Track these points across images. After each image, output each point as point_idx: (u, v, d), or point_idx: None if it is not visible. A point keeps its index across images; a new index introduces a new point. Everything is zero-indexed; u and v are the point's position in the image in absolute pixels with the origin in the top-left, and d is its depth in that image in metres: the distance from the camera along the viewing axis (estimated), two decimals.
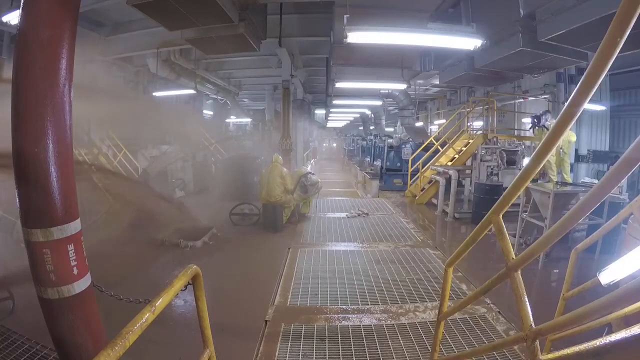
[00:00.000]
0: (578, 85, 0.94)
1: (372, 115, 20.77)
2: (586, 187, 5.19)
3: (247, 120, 20.01)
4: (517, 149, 7.90)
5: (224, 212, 6.79)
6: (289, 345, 2.85)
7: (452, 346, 2.80)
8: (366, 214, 7.45)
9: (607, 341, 0.82)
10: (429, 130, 15.77)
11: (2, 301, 3.18)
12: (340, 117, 24.97)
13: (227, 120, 19.92)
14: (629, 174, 0.85)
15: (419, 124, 14.90)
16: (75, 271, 1.66)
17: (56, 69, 1.59)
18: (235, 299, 3.71)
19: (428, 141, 10.72)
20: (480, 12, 5.85)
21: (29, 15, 1.56)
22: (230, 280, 4.22)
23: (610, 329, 1.75)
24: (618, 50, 0.84)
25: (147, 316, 1.15)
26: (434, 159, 9.25)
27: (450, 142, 9.55)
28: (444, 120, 15.02)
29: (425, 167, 9.12)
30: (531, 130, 7.78)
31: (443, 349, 2.69)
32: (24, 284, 2.30)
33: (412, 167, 9.77)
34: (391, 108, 17.76)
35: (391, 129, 16.84)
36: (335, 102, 14.11)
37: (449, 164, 8.76)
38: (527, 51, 5.81)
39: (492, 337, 2.93)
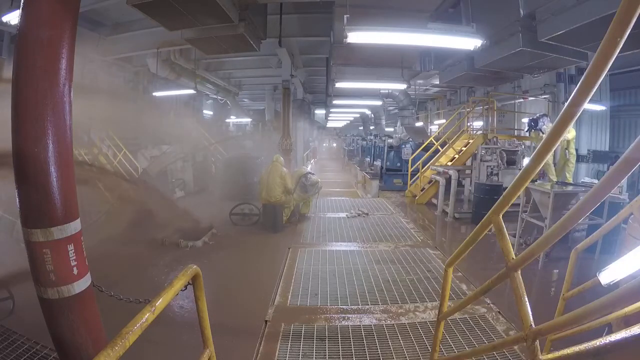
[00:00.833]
0: (578, 85, 0.94)
1: (372, 115, 20.77)
2: (586, 187, 5.19)
3: (247, 120, 20.01)
4: (517, 149, 7.91)
5: (224, 212, 6.79)
6: (289, 345, 2.85)
7: (452, 346, 2.81)
8: (366, 214, 7.45)
9: (607, 341, 0.82)
10: (429, 130, 15.77)
11: (2, 301, 3.18)
12: (340, 117, 24.97)
13: (227, 120, 19.92)
14: (629, 174, 0.85)
15: (419, 124, 14.91)
16: (75, 271, 1.66)
17: (56, 69, 1.59)
18: (235, 299, 3.71)
19: (428, 141, 10.72)
20: (480, 12, 5.85)
21: (29, 15, 1.55)
22: (230, 280, 4.23)
23: (610, 329, 1.75)
24: (618, 50, 0.84)
25: (147, 316, 1.15)
26: (434, 159, 9.25)
27: (450, 142, 9.55)
28: (444, 120, 15.03)
29: (425, 167, 9.12)
30: (527, 132, 7.78)
31: (443, 349, 2.69)
32: (24, 284, 2.30)
33: (412, 167, 9.77)
34: (391, 108, 17.77)
35: (391, 129, 16.84)
36: (335, 102, 14.11)
37: (449, 164, 8.76)
38: (527, 51, 5.81)
39: (492, 337, 2.93)
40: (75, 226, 1.68)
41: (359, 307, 3.53)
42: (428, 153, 9.57)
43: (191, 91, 11.01)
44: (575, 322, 0.97)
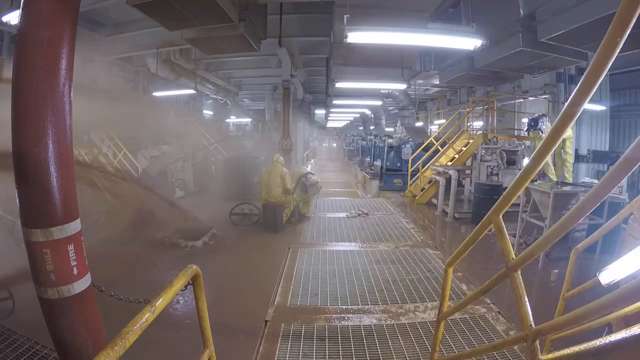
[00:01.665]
0: (578, 85, 0.94)
1: (372, 115, 20.77)
2: (586, 187, 5.19)
3: (247, 120, 20.01)
4: (517, 149, 7.90)
5: (224, 212, 6.79)
6: (289, 345, 2.85)
7: (452, 346, 2.81)
8: (366, 214, 7.45)
9: (607, 341, 0.82)
10: (429, 130, 15.76)
11: (2, 301, 3.18)
12: (340, 117, 24.95)
13: (227, 120, 19.92)
14: (629, 174, 0.85)
15: (419, 124, 14.90)
16: (75, 271, 1.66)
17: (56, 69, 1.59)
18: (235, 299, 3.71)
19: (428, 141, 10.72)
20: (480, 12, 5.85)
21: (29, 15, 1.56)
22: (231, 280, 4.23)
23: (610, 329, 1.75)
24: (618, 50, 0.84)
25: (147, 316, 1.15)
26: (434, 159, 9.25)
27: (450, 142, 9.55)
28: (444, 120, 15.02)
29: (425, 167, 9.12)
30: (527, 132, 7.79)
31: (443, 349, 2.69)
32: (24, 284, 2.30)
33: (412, 167, 9.77)
34: (391, 108, 17.76)
35: (391, 129, 16.84)
36: (335, 102, 14.10)
37: (449, 164, 8.76)
38: (527, 51, 5.81)
39: (492, 337, 2.93)
40: (75, 226, 1.68)
41: (359, 307, 3.53)
42: (428, 153, 9.57)
43: (191, 91, 11.02)
44: (575, 322, 0.97)
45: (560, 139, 1.07)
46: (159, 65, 9.16)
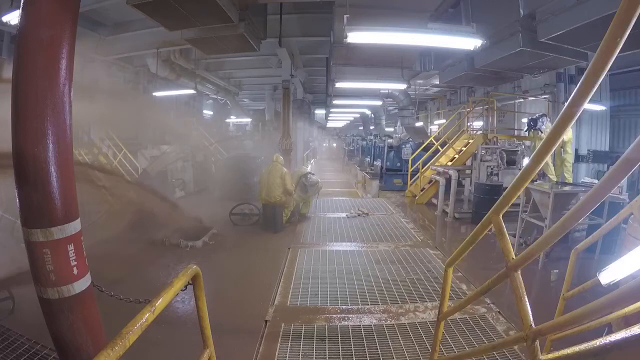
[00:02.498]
0: (578, 86, 0.94)
1: (372, 115, 20.76)
2: (586, 187, 5.19)
3: (247, 120, 20.01)
4: (517, 149, 7.90)
5: (224, 212, 6.79)
6: (289, 345, 2.85)
7: (452, 346, 2.80)
8: (366, 214, 7.45)
9: (607, 341, 0.82)
10: (429, 130, 15.76)
11: (2, 301, 3.18)
12: (340, 117, 24.96)
13: (227, 120, 19.93)
14: (629, 174, 0.85)
15: (419, 124, 14.89)
16: (75, 271, 1.66)
17: (56, 69, 1.59)
18: (235, 299, 3.71)
19: (428, 141, 10.72)
20: (481, 12, 5.86)
21: (29, 15, 1.56)
22: (231, 280, 4.23)
23: (610, 329, 1.75)
24: (618, 50, 0.84)
25: (147, 316, 1.15)
26: (434, 159, 9.25)
27: (450, 142, 9.55)
28: (444, 120, 15.02)
29: (425, 167, 9.12)
30: (526, 132, 7.80)
31: (443, 349, 2.69)
32: (24, 284, 2.30)
33: (412, 167, 9.77)
34: (391, 108, 17.76)
35: (391, 129, 16.84)
36: (335, 102, 14.10)
37: (449, 164, 8.76)
38: (527, 51, 5.82)
39: (492, 337, 2.93)
40: (75, 226, 1.68)
41: (359, 307, 3.53)
42: (428, 153, 9.57)
43: (191, 91, 11.01)
44: (575, 322, 0.97)
45: (560, 139, 1.07)
46: (159, 65, 9.16)
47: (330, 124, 29.52)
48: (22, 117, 1.54)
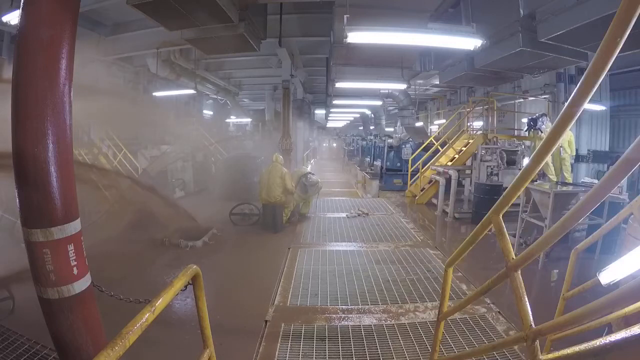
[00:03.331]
0: (578, 86, 0.94)
1: (372, 115, 20.77)
2: (586, 187, 5.19)
3: (247, 120, 20.01)
4: (517, 149, 7.90)
5: (224, 212, 6.79)
6: (289, 345, 2.85)
7: (452, 346, 2.80)
8: (366, 214, 7.45)
9: (607, 341, 0.82)
10: (429, 130, 15.76)
11: (2, 301, 3.18)
12: (340, 117, 24.96)
13: (227, 120, 19.93)
14: (629, 174, 0.85)
15: (419, 124, 14.90)
16: (75, 271, 1.66)
17: (56, 69, 1.59)
18: (235, 299, 3.71)
19: (428, 141, 10.71)
20: (481, 12, 5.86)
21: (29, 15, 1.56)
22: (231, 280, 4.23)
23: (610, 329, 1.75)
24: (618, 50, 0.84)
25: (147, 316, 1.15)
26: (434, 159, 9.25)
27: (450, 142, 9.55)
28: (444, 120, 15.02)
29: (425, 167, 9.12)
30: (526, 132, 7.80)
31: (443, 349, 2.69)
32: (24, 284, 2.30)
33: (412, 167, 9.77)
34: (391, 108, 17.76)
35: (391, 129, 16.84)
36: (335, 102, 14.11)
37: (449, 164, 8.76)
38: (527, 51, 5.82)
39: (492, 337, 2.93)
40: (75, 226, 1.68)
41: (359, 307, 3.53)
42: (428, 153, 9.57)
43: (191, 91, 11.01)
44: (575, 322, 0.97)
45: (561, 139, 1.07)
46: (159, 65, 9.15)
47: (330, 124, 29.51)
48: (22, 117, 1.54)
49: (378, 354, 2.74)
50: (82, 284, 1.70)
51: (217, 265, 4.72)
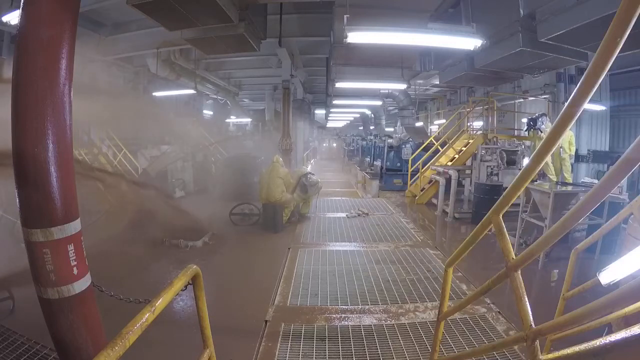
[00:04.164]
0: (578, 86, 0.94)
1: (372, 115, 20.76)
2: (586, 187, 5.19)
3: (247, 120, 20.01)
4: (517, 149, 7.90)
5: (224, 212, 6.79)
6: (289, 345, 2.85)
7: (452, 346, 2.80)
8: (366, 214, 7.45)
9: (607, 341, 0.82)
10: (429, 130, 15.76)
11: (2, 301, 3.18)
12: (340, 117, 24.96)
13: (227, 120, 19.93)
14: (629, 174, 0.85)
15: (419, 124, 14.90)
16: (75, 271, 1.66)
17: (56, 69, 1.59)
18: (235, 298, 3.71)
19: (428, 141, 10.71)
20: (481, 12, 5.85)
21: (29, 15, 1.56)
22: (231, 280, 4.23)
23: (610, 329, 1.75)
24: (618, 50, 0.84)
25: (147, 316, 1.15)
26: (434, 159, 9.25)
27: (450, 142, 9.55)
28: (444, 120, 15.03)
29: (425, 167, 9.12)
30: (526, 132, 7.81)
31: (443, 349, 2.69)
32: (24, 284, 2.30)
33: (412, 167, 9.77)
34: (391, 108, 17.77)
35: (391, 129, 16.84)
36: (335, 102, 14.11)
37: (449, 164, 8.76)
38: (527, 51, 5.81)
39: (492, 337, 2.93)
40: (75, 226, 1.68)
41: (359, 307, 3.53)
42: (428, 153, 9.57)
43: (191, 91, 11.01)
44: (575, 322, 0.97)
45: (560, 139, 1.07)
46: (159, 65, 9.16)
47: (330, 124, 29.50)
48: (22, 117, 1.54)
49: (378, 354, 2.74)
50: (82, 284, 1.70)
51: (217, 265, 4.72)
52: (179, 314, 3.41)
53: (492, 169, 7.36)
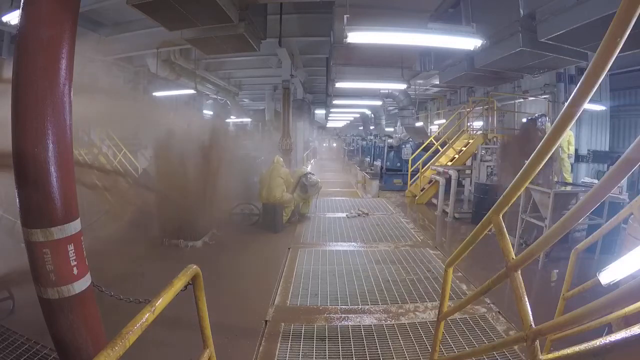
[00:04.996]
0: (578, 86, 0.94)
1: (372, 115, 20.77)
2: (586, 187, 5.19)
3: (247, 120, 20.02)
4: None
5: (224, 212, 6.78)
6: (289, 345, 2.85)
7: (452, 346, 2.80)
8: (366, 214, 7.45)
9: (607, 341, 0.82)
10: (429, 130, 15.76)
11: (2, 301, 3.18)
12: (340, 117, 24.97)
13: (227, 120, 19.92)
14: (629, 174, 0.85)
15: (419, 124, 14.91)
16: (75, 271, 1.66)
17: (56, 69, 1.59)
18: (235, 298, 3.71)
19: (428, 141, 10.72)
20: (481, 12, 5.85)
21: (29, 15, 1.56)
22: (230, 280, 4.22)
23: (610, 329, 1.75)
24: (618, 50, 0.84)
25: (147, 316, 1.15)
26: (434, 159, 9.25)
27: (450, 142, 9.55)
28: (444, 120, 15.02)
29: (425, 167, 9.12)
30: None
31: (443, 349, 2.69)
32: (24, 284, 2.30)
33: (412, 167, 9.77)
34: (391, 108, 17.76)
35: (391, 129, 16.84)
36: (335, 102, 14.11)
37: (449, 164, 8.76)
38: (527, 51, 5.81)
39: (492, 337, 2.93)
40: (75, 226, 1.68)
41: (359, 307, 3.53)
42: (428, 153, 9.57)
43: (191, 91, 11.00)
44: (575, 322, 0.97)
45: (560, 139, 1.07)
46: (159, 65, 9.15)
47: (330, 124, 29.54)
48: (22, 117, 1.54)
49: (378, 354, 2.74)
50: (82, 284, 1.70)
51: (217, 265, 4.71)
52: (179, 314, 3.41)
53: (492, 169, 7.36)
